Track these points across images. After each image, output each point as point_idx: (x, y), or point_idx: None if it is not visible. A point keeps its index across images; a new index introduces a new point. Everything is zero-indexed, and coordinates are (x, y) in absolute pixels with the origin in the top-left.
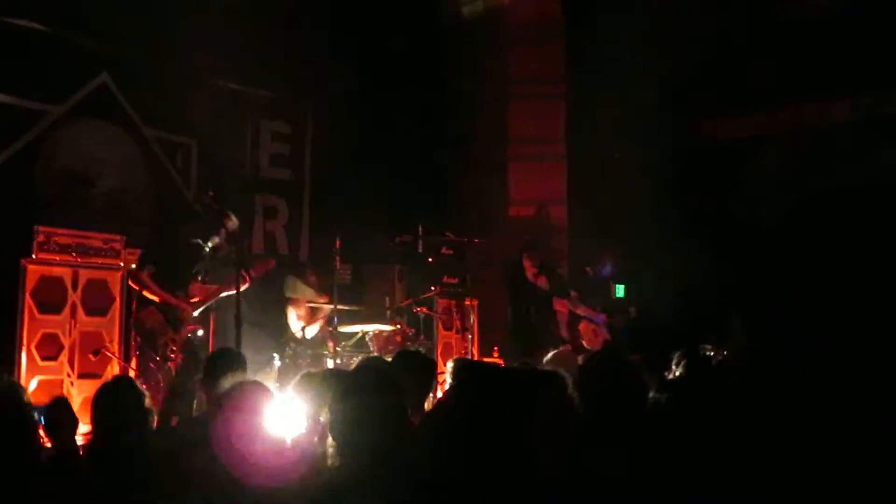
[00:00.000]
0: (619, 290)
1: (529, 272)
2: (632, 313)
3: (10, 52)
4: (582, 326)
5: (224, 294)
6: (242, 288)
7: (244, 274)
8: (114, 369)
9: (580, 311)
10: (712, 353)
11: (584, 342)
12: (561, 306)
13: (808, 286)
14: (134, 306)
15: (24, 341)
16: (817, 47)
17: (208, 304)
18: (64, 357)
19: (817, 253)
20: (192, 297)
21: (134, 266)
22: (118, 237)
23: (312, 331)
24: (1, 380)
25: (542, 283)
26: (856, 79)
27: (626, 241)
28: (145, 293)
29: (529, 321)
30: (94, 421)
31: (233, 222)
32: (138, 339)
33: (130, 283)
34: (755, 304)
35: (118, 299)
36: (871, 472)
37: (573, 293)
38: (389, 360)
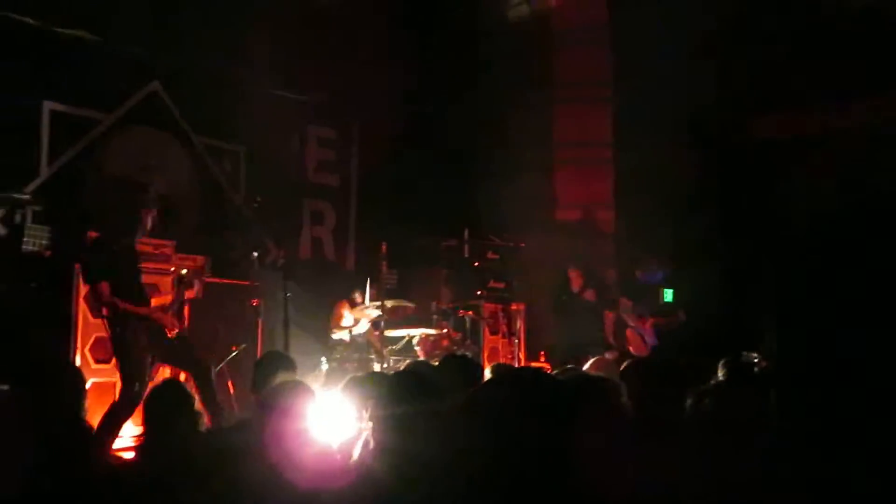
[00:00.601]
0: (668, 295)
1: (576, 283)
2: (681, 318)
3: (62, 61)
4: (629, 332)
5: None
6: (193, 294)
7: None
8: (164, 372)
9: (629, 321)
10: (757, 360)
11: (630, 348)
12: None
13: (838, 292)
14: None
15: (79, 345)
16: (862, 46)
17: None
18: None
19: (849, 259)
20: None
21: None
22: (169, 242)
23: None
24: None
25: (590, 296)
26: None
27: (672, 244)
28: (107, 311)
29: (576, 326)
30: (145, 423)
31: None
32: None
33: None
34: (786, 308)
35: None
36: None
37: (625, 300)
38: (436, 364)
